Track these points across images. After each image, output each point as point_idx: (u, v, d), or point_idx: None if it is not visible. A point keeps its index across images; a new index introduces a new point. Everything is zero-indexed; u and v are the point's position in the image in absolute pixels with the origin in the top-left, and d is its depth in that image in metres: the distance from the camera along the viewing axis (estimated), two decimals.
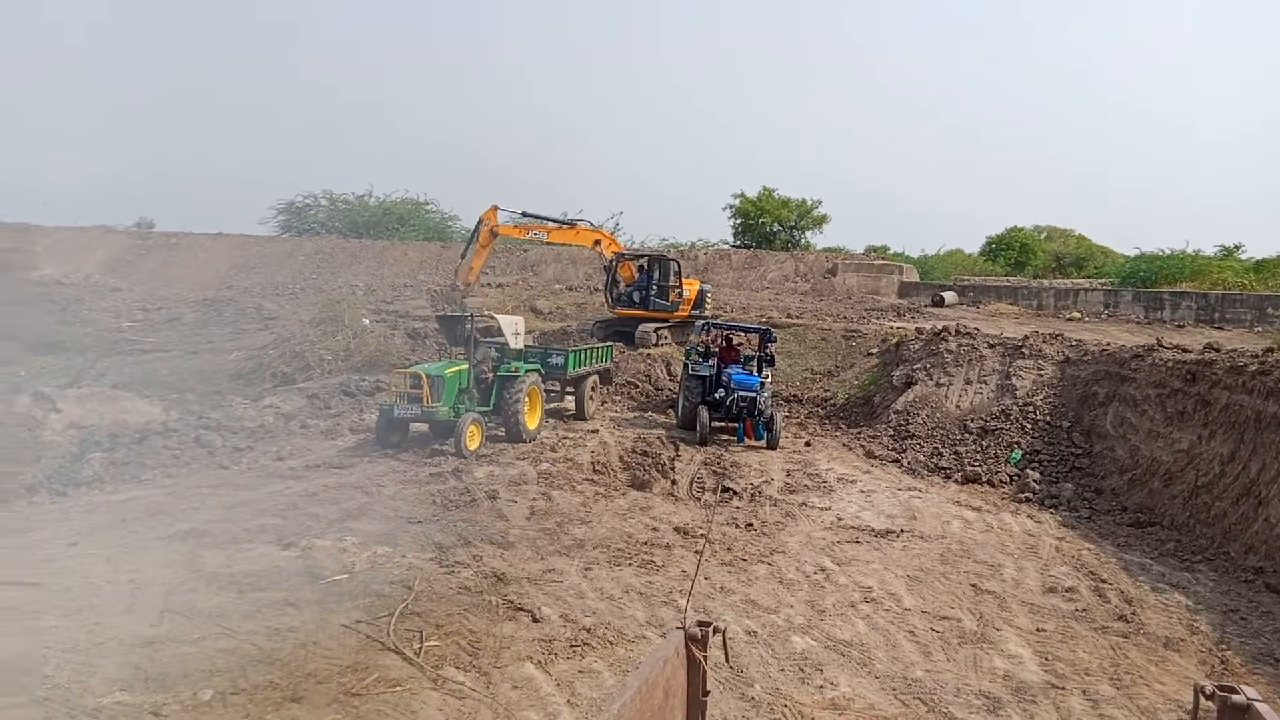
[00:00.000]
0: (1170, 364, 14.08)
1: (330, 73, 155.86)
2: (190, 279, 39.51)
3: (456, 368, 14.18)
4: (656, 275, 23.73)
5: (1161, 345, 15.95)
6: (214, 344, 24.16)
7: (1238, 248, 39.41)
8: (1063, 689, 6.78)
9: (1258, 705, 2.13)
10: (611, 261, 24.08)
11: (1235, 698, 2.17)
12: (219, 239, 48.04)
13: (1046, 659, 7.35)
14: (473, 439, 13.42)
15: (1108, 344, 18.14)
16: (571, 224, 25.73)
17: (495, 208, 23.60)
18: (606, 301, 24.63)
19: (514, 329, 15.20)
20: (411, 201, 53.07)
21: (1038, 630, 7.97)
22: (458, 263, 24.74)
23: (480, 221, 23.43)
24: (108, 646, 6.44)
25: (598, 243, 24.97)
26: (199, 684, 5.99)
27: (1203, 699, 2.26)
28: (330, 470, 12.56)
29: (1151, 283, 35.59)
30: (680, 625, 2.68)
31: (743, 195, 51.25)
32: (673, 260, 24.59)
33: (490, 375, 14.77)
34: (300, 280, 39.16)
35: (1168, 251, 38.34)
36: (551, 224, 25.39)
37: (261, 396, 17.18)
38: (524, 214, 24.87)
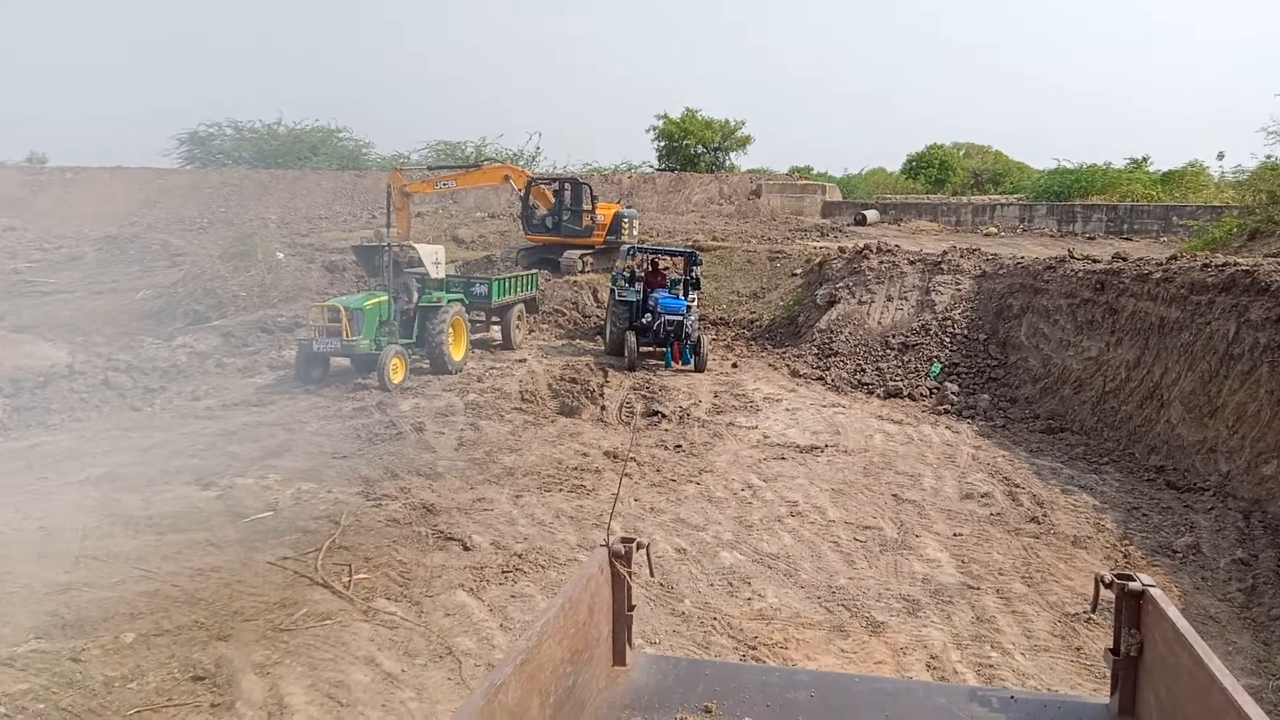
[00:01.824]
0: (1080, 274, 14.51)
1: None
2: (90, 216, 37.43)
3: (376, 299, 13.84)
4: (569, 199, 23.46)
5: (1072, 257, 16.42)
6: (119, 283, 23.12)
7: (1146, 160, 40.33)
8: (978, 589, 7.09)
9: (1151, 590, 2.21)
10: (525, 190, 23.75)
11: (1131, 584, 2.24)
12: (118, 173, 45.52)
13: (963, 561, 7.65)
14: (396, 372, 13.20)
15: (1022, 257, 18.59)
16: (478, 165, 25.63)
17: (397, 170, 24.19)
18: (523, 228, 24.49)
19: (434, 258, 14.85)
20: (323, 129, 50.80)
21: (955, 535, 8.28)
22: (383, 230, 24.67)
23: (388, 188, 23.39)
24: (19, 595, 6.23)
25: (507, 177, 24.59)
26: (120, 628, 5.86)
27: (1102, 588, 2.33)
28: (249, 408, 12.25)
29: (1065, 197, 36.38)
30: (604, 543, 2.67)
31: (666, 117, 50.58)
32: (585, 183, 24.32)
33: (412, 307, 14.47)
34: (208, 214, 37.48)
35: (1081, 166, 39.12)
36: (458, 171, 25.48)
37: (173, 336, 16.58)
38: (429, 169, 24.91)
